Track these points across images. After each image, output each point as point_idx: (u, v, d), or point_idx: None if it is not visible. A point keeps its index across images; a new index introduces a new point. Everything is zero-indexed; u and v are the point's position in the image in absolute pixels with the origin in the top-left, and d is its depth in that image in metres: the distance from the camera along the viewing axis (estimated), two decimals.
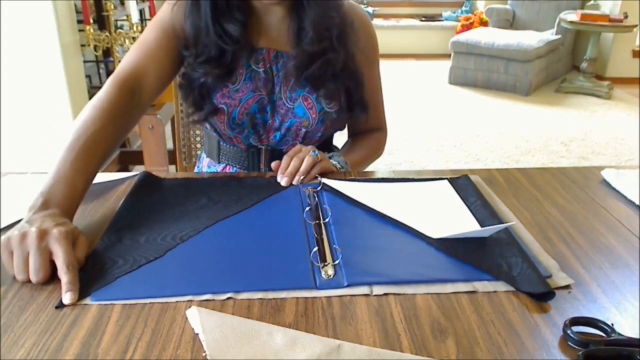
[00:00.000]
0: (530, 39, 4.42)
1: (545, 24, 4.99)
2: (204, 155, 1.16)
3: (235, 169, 1.06)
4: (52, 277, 0.62)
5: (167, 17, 0.96)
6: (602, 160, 3.24)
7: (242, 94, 0.96)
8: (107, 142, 0.81)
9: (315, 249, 0.68)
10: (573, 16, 4.38)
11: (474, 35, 4.62)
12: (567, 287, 0.62)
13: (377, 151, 1.15)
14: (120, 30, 2.21)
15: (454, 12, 5.96)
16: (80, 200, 0.74)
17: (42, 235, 0.62)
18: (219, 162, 1.08)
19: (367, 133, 1.15)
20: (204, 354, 0.51)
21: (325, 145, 1.11)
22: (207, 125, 1.04)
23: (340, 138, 1.16)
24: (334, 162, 0.97)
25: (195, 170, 1.19)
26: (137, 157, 2.35)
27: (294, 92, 0.97)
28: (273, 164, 0.91)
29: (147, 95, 0.93)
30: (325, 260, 0.66)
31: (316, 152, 0.90)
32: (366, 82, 1.03)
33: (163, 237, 0.71)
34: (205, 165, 1.13)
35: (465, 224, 0.76)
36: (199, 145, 1.38)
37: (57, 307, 0.58)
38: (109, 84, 0.88)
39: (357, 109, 1.03)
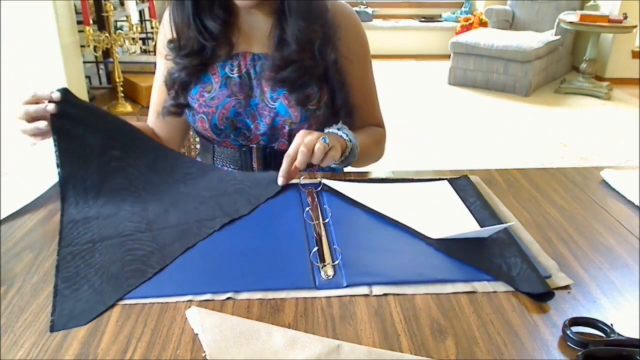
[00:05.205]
0: (530, 39, 4.42)
1: (544, 24, 4.99)
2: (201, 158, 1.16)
3: (230, 169, 1.06)
4: (51, 278, 0.63)
5: (161, 42, 1.05)
6: (601, 160, 3.24)
7: (218, 100, 0.98)
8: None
9: (315, 249, 0.68)
10: (572, 17, 4.39)
11: (473, 36, 4.62)
12: (566, 287, 0.62)
13: (379, 143, 1.10)
14: (119, 31, 2.22)
15: (454, 13, 5.96)
16: None
17: None
18: (214, 164, 1.09)
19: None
20: (203, 354, 0.51)
21: None
22: (196, 133, 1.09)
23: None
24: (342, 135, 0.92)
25: None
26: None
27: (274, 92, 0.98)
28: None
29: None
30: (325, 261, 0.66)
31: (326, 139, 0.83)
32: (358, 83, 1.04)
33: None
34: None
35: (464, 224, 0.76)
36: (198, 146, 1.38)
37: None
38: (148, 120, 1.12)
39: (342, 114, 1.02)
